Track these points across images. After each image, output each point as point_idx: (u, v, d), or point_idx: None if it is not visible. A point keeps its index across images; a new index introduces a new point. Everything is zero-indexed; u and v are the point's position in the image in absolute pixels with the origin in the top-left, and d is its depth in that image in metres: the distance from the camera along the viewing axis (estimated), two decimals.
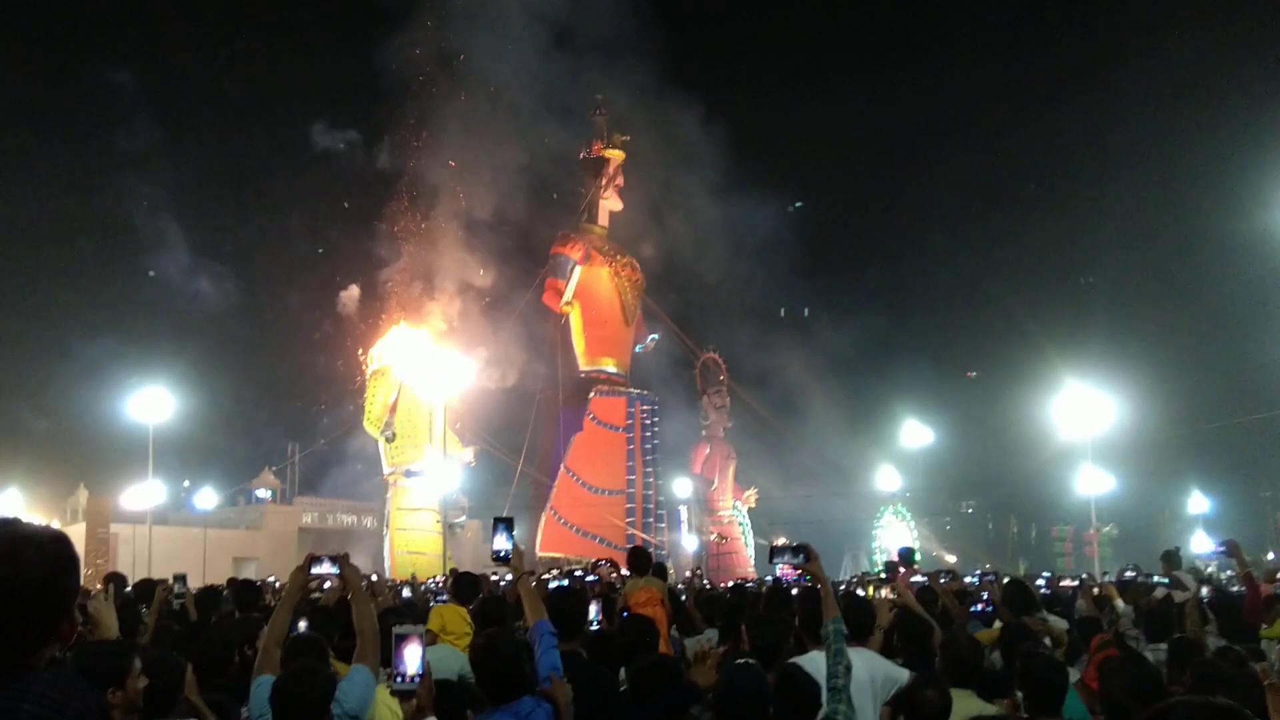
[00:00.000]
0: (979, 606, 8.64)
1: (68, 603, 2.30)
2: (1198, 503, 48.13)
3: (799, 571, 5.50)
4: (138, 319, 47.64)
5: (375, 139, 42.61)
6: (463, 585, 8.96)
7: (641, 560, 10.32)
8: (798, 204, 54.62)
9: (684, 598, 11.16)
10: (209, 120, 55.15)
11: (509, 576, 11.12)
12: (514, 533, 5.87)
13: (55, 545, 2.29)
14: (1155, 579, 11.42)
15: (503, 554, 5.72)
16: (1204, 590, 9.73)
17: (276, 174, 51.45)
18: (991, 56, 70.83)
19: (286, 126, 54.33)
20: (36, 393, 46.25)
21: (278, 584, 17.11)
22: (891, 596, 7.82)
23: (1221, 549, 9.70)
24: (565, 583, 10.18)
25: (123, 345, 41.87)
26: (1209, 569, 22.55)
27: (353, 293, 41.28)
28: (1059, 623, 8.49)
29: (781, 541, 5.64)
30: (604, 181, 41.98)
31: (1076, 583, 12.41)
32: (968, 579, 10.81)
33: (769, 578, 23.95)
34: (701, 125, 43.14)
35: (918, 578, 10.27)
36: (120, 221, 50.88)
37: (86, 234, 52.29)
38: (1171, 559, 11.85)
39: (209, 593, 9.91)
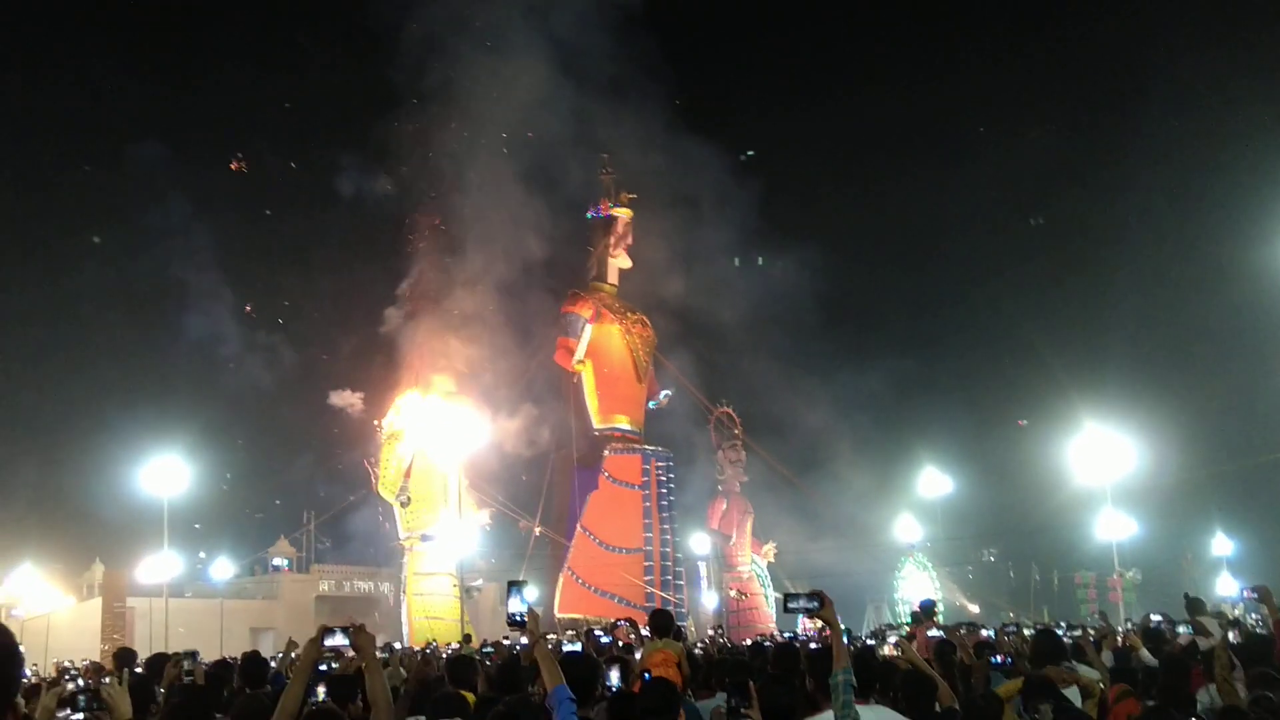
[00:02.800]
0: (999, 658, 8.47)
1: (10, 695, 2.25)
2: (1221, 545, 47.61)
3: (813, 619, 5.43)
4: (152, 389, 47.75)
5: (395, 201, 42.85)
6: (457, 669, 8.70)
7: (663, 622, 10.28)
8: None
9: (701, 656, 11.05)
10: (236, 184, 55.45)
11: (524, 640, 10.99)
12: (529, 595, 5.82)
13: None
14: (1180, 629, 11.23)
15: (518, 618, 5.69)
16: (1231, 635, 9.51)
17: (301, 238, 51.61)
18: (1012, 102, 71.17)
19: (310, 186, 54.59)
20: (51, 466, 46.30)
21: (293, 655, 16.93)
22: (895, 653, 7.68)
23: (1253, 595, 9.51)
24: (578, 646, 10.08)
25: (139, 416, 41.88)
26: (1235, 612, 22.21)
27: (396, 313, 41.23)
28: (1090, 672, 8.28)
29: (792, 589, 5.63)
30: (613, 240, 42.17)
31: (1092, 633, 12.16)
32: (984, 631, 10.62)
33: (788, 633, 23.73)
34: (716, 174, 43.39)
35: (935, 631, 10.11)
36: (143, 292, 51.26)
37: (94, 306, 52.61)
38: (1196, 605, 11.67)
39: (221, 667, 9.82)
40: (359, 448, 41.55)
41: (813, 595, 5.20)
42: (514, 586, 5.77)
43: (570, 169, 43.46)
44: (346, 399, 41.39)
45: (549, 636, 15.35)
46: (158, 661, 9.32)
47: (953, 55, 76.09)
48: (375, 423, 40.50)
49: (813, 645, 9.28)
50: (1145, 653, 9.82)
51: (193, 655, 9.02)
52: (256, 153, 52.61)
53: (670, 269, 43.24)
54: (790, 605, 5.33)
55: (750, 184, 45.39)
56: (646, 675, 8.17)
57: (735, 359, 47.11)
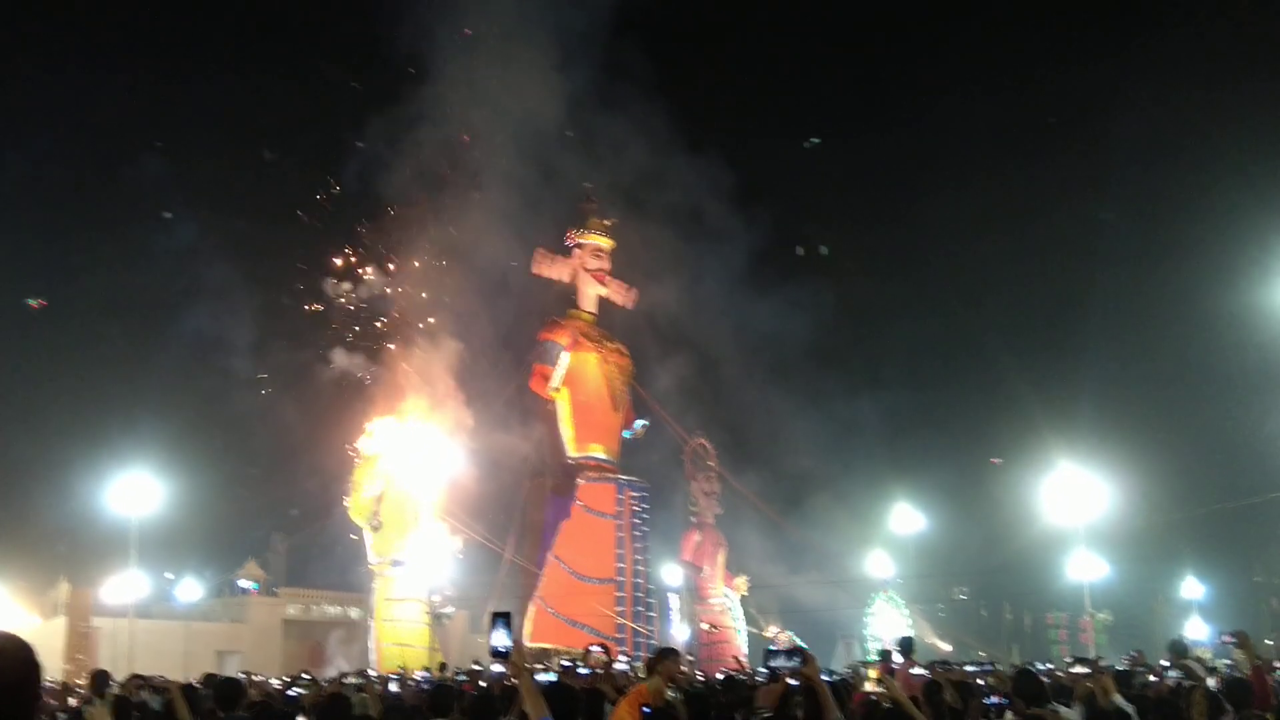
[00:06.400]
0: (994, 699, 8.41)
1: (31, 708, 2.21)
2: (1192, 588, 47.79)
3: (795, 677, 5.31)
4: (123, 404, 47.24)
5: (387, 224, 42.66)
6: None
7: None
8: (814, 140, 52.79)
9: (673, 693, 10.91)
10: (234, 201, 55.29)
11: (496, 668, 10.86)
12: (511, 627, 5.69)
13: (22, 652, 2.20)
14: (1171, 673, 11.18)
15: (502, 649, 5.53)
16: (1210, 681, 9.48)
17: (295, 254, 51.34)
18: (992, 139, 72.02)
19: (307, 204, 54.68)
20: (17, 480, 45.67)
21: (274, 682, 16.72)
22: (879, 690, 7.61)
23: (1231, 640, 9.50)
24: (554, 677, 9.96)
25: (108, 430, 41.46)
26: (1209, 657, 22.19)
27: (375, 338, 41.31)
28: (1069, 714, 8.27)
29: (774, 631, 5.51)
30: (581, 265, 42.09)
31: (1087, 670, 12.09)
32: (969, 668, 10.53)
33: (761, 668, 23.60)
34: (707, 202, 43.39)
35: (919, 669, 10.02)
36: (113, 307, 50.84)
37: (63, 320, 52.13)
38: (1178, 648, 11.63)
39: (188, 691, 9.63)
40: (332, 470, 41.22)
41: (793, 652, 5.11)
42: (498, 618, 5.61)
43: (554, 194, 43.50)
44: (349, 362, 41.38)
45: (531, 669, 15.20)
46: (134, 683, 9.16)
47: (947, 107, 76.99)
48: (348, 447, 40.19)
49: (791, 681, 9.19)
50: (1118, 697, 9.75)
51: (152, 686, 8.85)
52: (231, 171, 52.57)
53: (653, 296, 43.26)
54: (771, 663, 5.21)
55: (743, 214, 45.52)
56: (646, 709, 8.09)
57: (714, 391, 47.10)
